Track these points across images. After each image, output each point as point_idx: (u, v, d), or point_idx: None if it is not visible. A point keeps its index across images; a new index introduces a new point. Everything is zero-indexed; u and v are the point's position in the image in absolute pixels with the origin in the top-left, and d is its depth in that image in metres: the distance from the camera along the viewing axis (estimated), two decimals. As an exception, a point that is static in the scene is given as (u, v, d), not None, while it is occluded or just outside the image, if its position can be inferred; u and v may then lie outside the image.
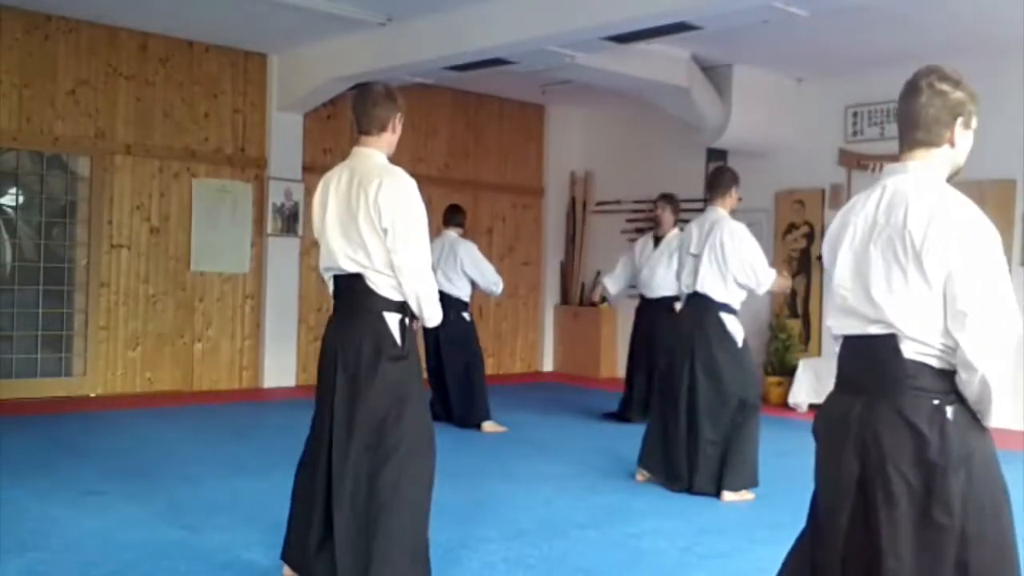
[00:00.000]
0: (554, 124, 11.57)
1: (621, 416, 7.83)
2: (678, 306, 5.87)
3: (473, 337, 7.70)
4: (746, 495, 5.33)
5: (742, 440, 5.34)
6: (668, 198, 7.79)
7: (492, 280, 7.69)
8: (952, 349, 2.26)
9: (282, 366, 9.32)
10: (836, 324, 2.47)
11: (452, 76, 8.40)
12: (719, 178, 5.61)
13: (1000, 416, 2.35)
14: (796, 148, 9.42)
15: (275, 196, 9.24)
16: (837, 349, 2.51)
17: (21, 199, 8.28)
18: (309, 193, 9.31)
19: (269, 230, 9.21)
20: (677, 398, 5.48)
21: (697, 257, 5.47)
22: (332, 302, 3.64)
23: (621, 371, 10.73)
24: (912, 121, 2.40)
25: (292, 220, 9.35)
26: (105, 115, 8.39)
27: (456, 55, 7.58)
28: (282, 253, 9.34)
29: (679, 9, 6.15)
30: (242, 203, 9.13)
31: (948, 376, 2.29)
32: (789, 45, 7.98)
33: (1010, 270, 2.15)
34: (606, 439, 7.01)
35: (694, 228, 5.61)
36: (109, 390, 8.39)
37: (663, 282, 7.42)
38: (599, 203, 11.37)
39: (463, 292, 7.61)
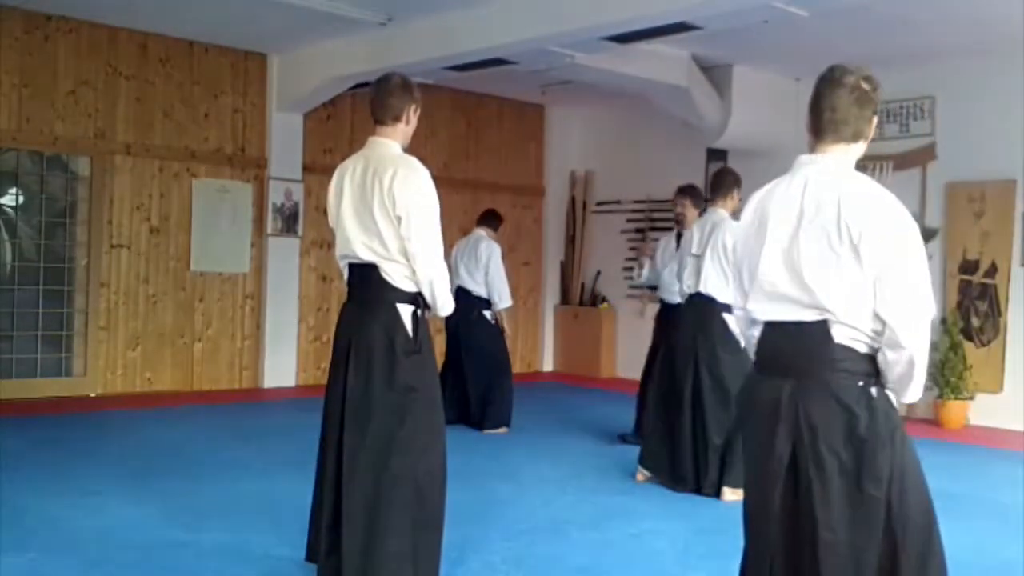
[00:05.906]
0: (554, 124, 11.57)
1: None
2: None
3: (498, 339, 7.47)
4: (746, 495, 5.33)
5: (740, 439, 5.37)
6: (687, 190, 6.58)
7: (498, 291, 7.41)
8: (878, 333, 2.41)
9: (282, 366, 9.32)
10: (761, 309, 2.57)
11: (452, 76, 8.39)
12: (721, 180, 5.69)
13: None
14: (796, 148, 9.29)
15: (275, 196, 9.23)
16: (754, 333, 2.62)
17: (21, 199, 8.29)
18: (309, 193, 9.34)
19: (269, 230, 9.21)
20: (682, 399, 5.47)
21: (699, 258, 5.50)
22: (346, 290, 3.64)
23: (621, 371, 10.77)
24: (836, 116, 2.55)
25: (292, 220, 9.35)
26: (105, 115, 8.39)
27: (456, 55, 7.58)
28: (282, 253, 9.33)
29: (679, 9, 6.15)
30: (242, 203, 9.13)
31: (870, 359, 2.44)
32: (789, 45, 7.96)
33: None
34: (606, 439, 7.01)
35: (695, 229, 5.66)
36: (109, 390, 8.39)
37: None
38: (599, 203, 11.37)
39: (484, 290, 7.45)
